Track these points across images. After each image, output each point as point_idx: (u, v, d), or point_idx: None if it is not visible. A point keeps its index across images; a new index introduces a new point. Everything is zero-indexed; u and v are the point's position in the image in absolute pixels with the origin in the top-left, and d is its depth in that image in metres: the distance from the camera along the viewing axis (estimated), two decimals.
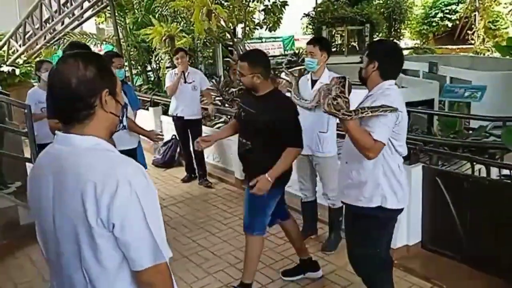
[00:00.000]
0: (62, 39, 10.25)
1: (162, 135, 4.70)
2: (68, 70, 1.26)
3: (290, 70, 9.88)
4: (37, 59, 11.09)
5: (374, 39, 18.54)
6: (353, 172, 2.50)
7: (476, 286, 3.17)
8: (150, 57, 10.27)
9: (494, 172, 4.12)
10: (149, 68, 10.94)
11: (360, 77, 2.54)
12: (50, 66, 4.35)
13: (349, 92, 2.50)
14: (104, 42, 10.86)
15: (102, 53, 7.43)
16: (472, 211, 3.31)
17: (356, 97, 2.67)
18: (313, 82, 3.64)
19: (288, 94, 3.68)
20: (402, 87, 9.44)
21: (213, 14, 8.53)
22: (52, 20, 10.07)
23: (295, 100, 3.60)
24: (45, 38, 10.36)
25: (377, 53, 2.47)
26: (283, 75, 10.65)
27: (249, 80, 2.88)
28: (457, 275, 3.27)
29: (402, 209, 2.53)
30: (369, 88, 2.50)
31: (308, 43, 3.66)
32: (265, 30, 11.16)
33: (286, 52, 18.59)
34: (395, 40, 19.67)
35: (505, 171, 3.96)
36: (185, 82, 5.50)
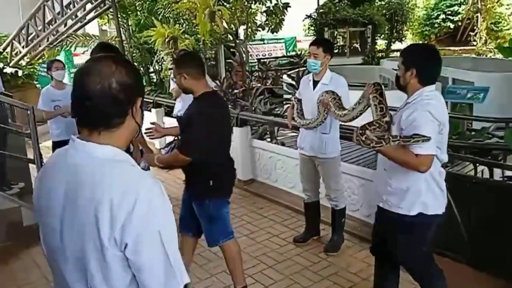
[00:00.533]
0: (65, 41, 10.28)
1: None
2: (107, 72, 1.19)
3: (290, 72, 9.91)
4: (40, 60, 11.17)
5: (376, 40, 18.59)
6: (393, 180, 2.46)
7: (477, 286, 3.17)
8: (153, 58, 10.30)
9: (497, 174, 4.11)
10: (151, 69, 10.97)
11: (398, 84, 2.49)
12: (61, 65, 4.48)
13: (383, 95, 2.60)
14: None
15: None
16: (475, 212, 3.30)
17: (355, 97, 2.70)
18: (315, 83, 3.62)
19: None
20: None
21: (216, 15, 8.55)
22: (55, 22, 10.10)
23: (299, 122, 3.66)
24: (48, 40, 10.39)
25: (414, 59, 2.41)
26: (285, 77, 10.66)
27: (178, 81, 2.85)
28: (460, 277, 3.26)
29: (444, 214, 2.50)
30: (408, 94, 2.45)
31: (311, 44, 3.63)
32: (267, 31, 11.18)
33: (288, 54, 18.61)
34: (397, 41, 19.73)
35: (508, 172, 3.96)
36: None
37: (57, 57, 10.33)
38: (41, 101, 4.38)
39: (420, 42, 23.11)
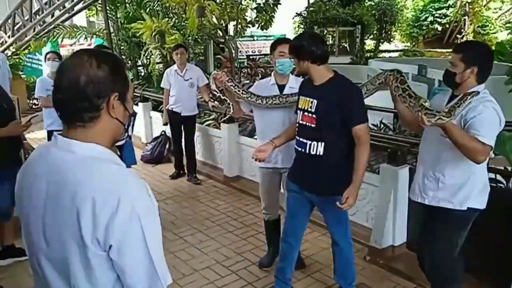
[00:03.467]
0: (52, 32, 10.13)
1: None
2: (79, 65, 1.16)
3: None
4: (26, 51, 11.01)
5: (365, 40, 18.70)
6: (446, 176, 2.48)
7: None
8: (141, 52, 10.22)
9: None
10: (139, 63, 10.88)
11: (452, 81, 2.45)
12: (56, 56, 4.80)
13: None
14: (94, 36, 10.76)
15: (91, 47, 7.40)
16: None
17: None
18: (280, 87, 3.27)
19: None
20: None
21: (206, 10, 8.51)
22: (42, 12, 9.96)
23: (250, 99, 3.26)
24: (34, 30, 10.24)
25: (476, 57, 2.39)
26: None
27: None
28: None
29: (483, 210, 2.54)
30: (459, 91, 2.42)
31: (282, 43, 3.19)
32: (257, 28, 11.18)
33: None
34: (385, 42, 19.88)
35: (491, 175, 4.02)
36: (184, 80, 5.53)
37: (43, 48, 10.21)
38: (37, 89, 4.82)
39: (409, 43, 23.28)
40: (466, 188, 2.46)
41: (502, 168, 3.75)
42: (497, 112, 2.33)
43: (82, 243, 1.10)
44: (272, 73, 3.37)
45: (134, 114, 4.15)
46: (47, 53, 4.97)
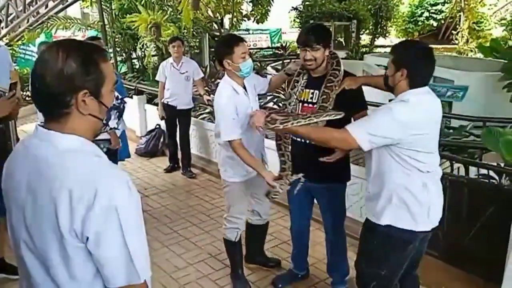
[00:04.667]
0: (46, 23, 10.04)
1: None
2: (46, 61, 1.14)
3: (273, 64, 9.92)
4: (19, 42, 10.90)
5: (360, 35, 18.70)
6: (369, 184, 2.33)
7: (450, 281, 3.25)
8: (136, 44, 10.15)
9: (473, 171, 4.20)
10: (134, 55, 10.81)
11: (386, 83, 2.28)
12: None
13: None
14: (88, 28, 10.67)
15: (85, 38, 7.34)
16: (449, 208, 3.38)
17: None
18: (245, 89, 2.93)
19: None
20: None
21: (201, 3, 8.47)
22: (36, 3, 9.86)
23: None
24: (28, 21, 10.14)
25: (406, 58, 2.16)
26: (269, 68, 10.66)
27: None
28: (435, 272, 3.35)
29: (424, 232, 2.24)
30: (395, 95, 2.24)
31: (238, 43, 2.77)
32: (253, 21, 11.15)
33: (272, 45, 18.57)
34: (380, 37, 19.88)
35: (483, 171, 4.05)
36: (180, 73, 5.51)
37: (37, 40, 10.11)
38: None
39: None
40: (382, 198, 2.23)
41: (495, 164, 3.79)
42: (395, 113, 2.06)
43: (60, 234, 1.10)
44: (228, 79, 2.85)
45: (123, 102, 4.11)
46: (40, 44, 4.87)
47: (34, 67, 1.17)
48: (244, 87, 2.88)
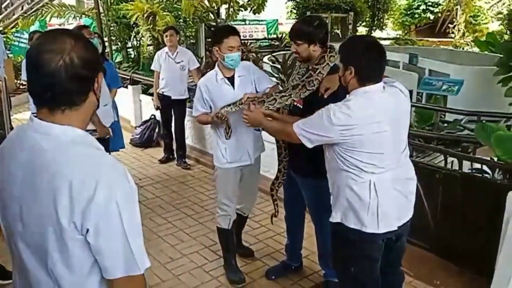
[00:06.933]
0: (40, 10, 9.93)
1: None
2: (66, 47, 1.12)
3: (274, 54, 9.87)
4: (14, 29, 10.79)
5: (357, 28, 18.64)
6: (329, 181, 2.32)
7: (442, 275, 3.28)
8: (131, 33, 10.06)
9: (466, 165, 4.23)
10: (129, 44, 10.72)
11: (341, 86, 2.26)
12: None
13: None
14: (83, 15, 10.57)
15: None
16: (443, 202, 3.40)
17: None
18: (230, 80, 3.03)
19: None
20: None
21: None
22: None
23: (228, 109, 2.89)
24: (22, 9, 10.03)
25: (351, 55, 2.12)
26: (265, 59, 10.61)
27: None
28: (424, 263, 3.38)
29: (377, 235, 2.15)
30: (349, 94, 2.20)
31: (232, 34, 2.92)
32: (249, 12, 11.07)
33: (269, 36, 18.47)
34: (377, 30, 19.84)
35: (477, 165, 4.07)
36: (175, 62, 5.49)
37: (32, 28, 10.01)
38: (24, 72, 4.81)
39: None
40: (332, 198, 2.26)
41: (488, 158, 3.81)
42: (332, 116, 2.01)
43: (59, 226, 1.10)
44: (216, 67, 3.06)
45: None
46: (31, 33, 4.77)
47: (41, 60, 1.11)
48: (232, 78, 3.01)
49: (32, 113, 1.23)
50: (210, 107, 3.07)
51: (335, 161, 2.15)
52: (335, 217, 2.22)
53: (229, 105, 2.85)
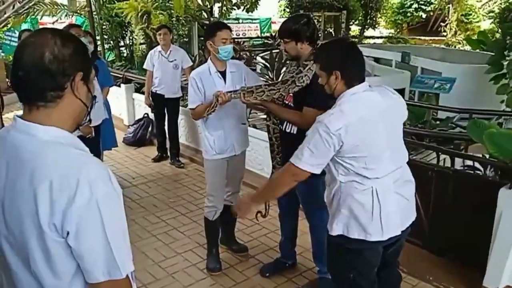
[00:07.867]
0: (32, 8, 9.85)
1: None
2: (42, 43, 1.13)
3: (263, 54, 9.90)
4: (5, 28, 10.69)
5: (350, 26, 18.70)
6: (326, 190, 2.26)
7: (435, 270, 3.31)
8: (124, 32, 10.02)
9: (458, 163, 4.26)
10: (122, 43, 10.67)
11: (326, 94, 2.17)
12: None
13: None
14: (75, 14, 10.51)
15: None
16: (435, 199, 3.43)
17: None
18: (222, 74, 3.12)
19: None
20: (375, 75, 9.60)
21: None
22: None
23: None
24: (13, 7, 9.93)
25: (333, 60, 2.08)
26: (258, 58, 10.62)
27: None
28: (417, 259, 3.40)
29: (381, 242, 2.13)
30: (336, 99, 2.13)
31: (223, 28, 3.04)
32: (242, 10, 11.07)
33: (262, 35, 18.49)
34: (370, 28, 19.92)
35: (469, 162, 4.11)
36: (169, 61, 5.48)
37: (23, 26, 9.93)
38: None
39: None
40: (331, 210, 2.18)
41: (480, 155, 3.84)
42: (326, 129, 1.96)
43: (39, 228, 1.08)
44: (209, 60, 3.15)
45: (94, 97, 4.09)
46: (21, 32, 4.74)
47: (24, 51, 1.14)
48: (224, 72, 3.11)
49: (17, 115, 1.22)
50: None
51: (334, 171, 2.12)
52: (336, 229, 2.14)
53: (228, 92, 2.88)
